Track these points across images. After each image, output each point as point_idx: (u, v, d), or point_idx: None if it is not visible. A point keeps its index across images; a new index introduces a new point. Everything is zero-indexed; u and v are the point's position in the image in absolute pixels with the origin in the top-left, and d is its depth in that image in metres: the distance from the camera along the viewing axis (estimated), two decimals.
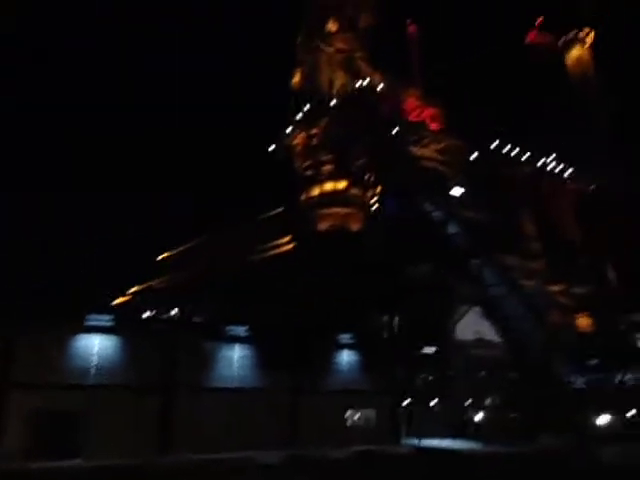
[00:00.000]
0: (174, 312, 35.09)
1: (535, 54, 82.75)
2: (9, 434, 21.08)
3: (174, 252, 74.55)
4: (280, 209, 62.61)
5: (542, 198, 65.59)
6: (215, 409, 25.13)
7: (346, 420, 27.68)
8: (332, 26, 67.79)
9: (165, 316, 26.10)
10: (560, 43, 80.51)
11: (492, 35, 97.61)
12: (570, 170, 67.70)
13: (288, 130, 63.69)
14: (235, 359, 26.33)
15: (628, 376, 32.00)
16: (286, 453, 21.35)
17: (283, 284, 38.14)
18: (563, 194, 68.03)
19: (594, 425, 25.82)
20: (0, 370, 21.13)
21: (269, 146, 67.75)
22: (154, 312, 34.82)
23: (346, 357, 29.73)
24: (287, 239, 55.45)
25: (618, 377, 32.13)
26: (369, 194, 56.92)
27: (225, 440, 23.90)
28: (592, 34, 77.96)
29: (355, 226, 57.48)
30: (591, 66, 78.80)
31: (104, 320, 23.64)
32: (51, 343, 22.32)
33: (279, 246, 55.17)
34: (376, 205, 55.73)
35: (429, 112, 55.43)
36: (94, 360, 22.98)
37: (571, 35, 79.02)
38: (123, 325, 23.74)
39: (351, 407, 28.30)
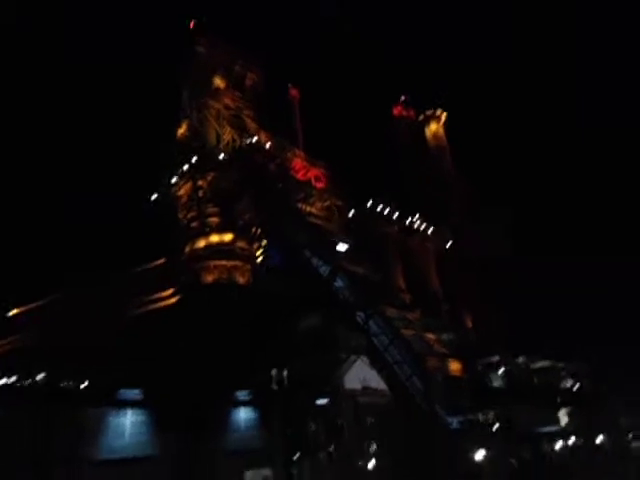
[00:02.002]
0: (40, 377, 31.36)
1: (399, 126, 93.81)
2: None
3: (26, 308, 66.51)
4: (160, 260, 60.32)
5: (408, 253, 72.82)
6: None
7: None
8: (220, 83, 69.74)
9: (32, 383, 23.21)
10: (420, 118, 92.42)
11: (362, 106, 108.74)
12: (431, 229, 76.45)
13: (173, 180, 62.69)
14: (125, 425, 24.43)
15: (489, 414, 36.22)
16: None
17: (169, 340, 36.49)
18: (425, 250, 76.30)
19: (474, 462, 28.61)
20: None
21: (147, 196, 65.79)
22: (14, 379, 30.66)
23: (242, 415, 29.33)
24: (170, 292, 53.38)
25: (481, 417, 36.17)
26: (255, 247, 57.96)
27: None
28: (445, 114, 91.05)
29: (241, 279, 57.62)
30: (445, 140, 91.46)
31: None
32: None
33: (161, 299, 52.76)
34: (262, 258, 56.89)
35: (314, 172, 59.20)
36: None
37: (429, 112, 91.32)
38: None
39: (248, 467, 27.71)
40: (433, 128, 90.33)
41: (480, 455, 28.34)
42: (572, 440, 36.83)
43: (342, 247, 46.26)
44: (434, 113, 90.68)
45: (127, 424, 24.17)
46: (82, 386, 25.02)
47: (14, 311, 67.62)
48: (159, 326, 41.21)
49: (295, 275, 47.33)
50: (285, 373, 35.95)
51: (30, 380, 23.17)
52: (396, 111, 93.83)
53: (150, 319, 45.96)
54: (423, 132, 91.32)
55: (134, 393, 24.63)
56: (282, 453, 29.88)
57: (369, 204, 66.75)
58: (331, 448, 34.15)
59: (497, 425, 32.63)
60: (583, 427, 40.79)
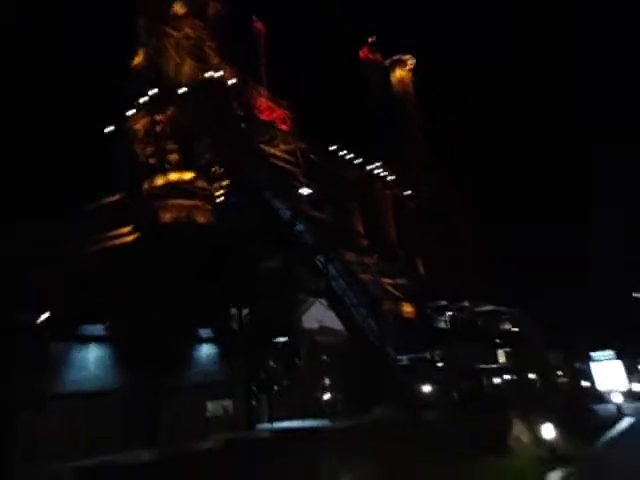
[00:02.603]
0: None
1: (366, 69, 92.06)
2: None
3: None
4: (116, 197, 58.58)
5: (368, 200, 74.03)
6: (65, 416, 23.43)
7: (206, 412, 28.30)
8: (179, 9, 65.40)
9: None
10: (387, 63, 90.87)
11: (331, 47, 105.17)
12: (391, 177, 77.56)
13: (129, 113, 59.77)
14: (89, 360, 24.83)
15: (436, 353, 39.09)
16: (156, 451, 21.27)
17: (129, 278, 36.40)
18: (384, 197, 77.72)
19: (420, 395, 31.25)
20: None
21: (101, 129, 62.66)
22: None
23: (204, 351, 30.29)
24: (128, 229, 52.38)
25: (428, 355, 39.01)
26: (215, 187, 57.13)
27: (76, 447, 22.54)
28: (413, 60, 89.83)
29: (201, 219, 57.09)
30: (411, 87, 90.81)
31: None
32: None
33: (119, 237, 51.79)
34: (222, 199, 56.32)
35: (279, 114, 57.89)
36: None
37: (396, 57, 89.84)
38: None
39: (210, 399, 29.01)
40: (399, 74, 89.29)
41: (427, 388, 30.98)
42: (507, 376, 40.58)
43: (304, 191, 46.49)
44: (401, 58, 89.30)
45: (90, 359, 24.59)
46: (42, 320, 24.94)
47: None
48: (118, 263, 40.80)
49: (256, 216, 47.47)
50: (245, 312, 36.99)
51: None
52: (363, 54, 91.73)
53: (108, 256, 45.28)
54: (389, 77, 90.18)
55: (97, 329, 24.89)
56: (241, 386, 31.34)
57: (332, 148, 66.61)
58: (288, 382, 36.07)
59: (442, 362, 35.39)
60: (517, 365, 44.78)
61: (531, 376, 39.99)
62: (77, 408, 23.79)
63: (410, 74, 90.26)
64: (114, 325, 25.64)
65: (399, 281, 49.49)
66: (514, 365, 44.31)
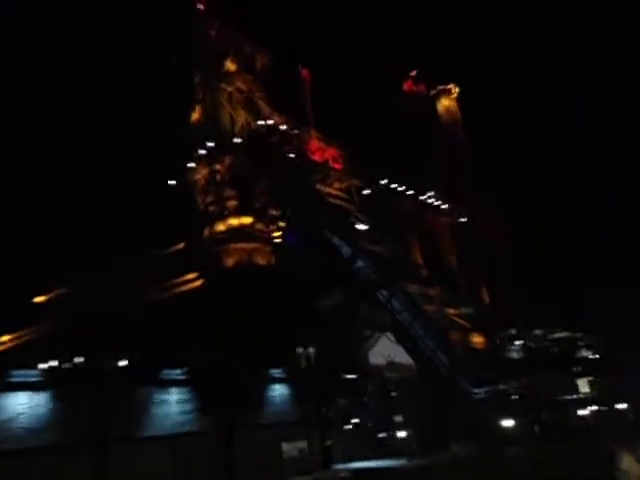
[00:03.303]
0: (82, 360, 32.91)
1: (411, 101, 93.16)
2: None
3: (52, 295, 68.34)
4: (180, 245, 61.53)
5: (423, 229, 73.48)
6: (150, 457, 24.39)
7: (282, 453, 28.42)
8: (231, 66, 69.77)
9: (86, 364, 24.67)
10: (432, 93, 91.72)
11: (372, 84, 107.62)
12: (445, 205, 76.83)
13: (189, 165, 63.47)
14: (170, 403, 25.86)
15: (512, 384, 37.37)
16: None
17: (200, 322, 37.82)
18: (440, 226, 76.85)
19: (500, 429, 29.87)
20: None
21: (164, 182, 66.66)
22: (54, 363, 32.17)
23: (276, 391, 30.67)
24: (194, 275, 54.68)
25: (502, 387, 37.32)
26: (273, 229, 58.91)
27: None
28: (457, 88, 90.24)
29: (261, 260, 58.79)
30: (458, 114, 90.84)
31: (29, 376, 22.06)
32: None
33: (186, 282, 54.10)
34: (280, 239, 57.87)
35: (330, 153, 59.59)
36: (21, 420, 21.25)
37: (441, 87, 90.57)
38: (50, 380, 22.32)
39: (284, 440, 29.14)
40: (445, 102, 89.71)
41: (506, 422, 29.56)
42: (592, 407, 37.92)
43: (362, 227, 47.00)
44: (446, 87, 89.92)
45: (172, 402, 25.60)
46: (124, 365, 26.39)
47: (40, 298, 69.67)
48: (188, 308, 42.53)
49: (316, 255, 48.31)
50: (311, 350, 37.23)
51: (85, 362, 24.55)
52: (407, 86, 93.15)
53: (179, 301, 47.31)
54: (435, 107, 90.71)
55: (177, 373, 25.98)
56: (315, 427, 31.27)
57: (384, 182, 67.22)
58: (359, 421, 35.58)
59: (519, 394, 33.75)
60: (602, 394, 41.80)
61: (621, 406, 37.17)
62: (161, 448, 24.72)
63: (455, 102, 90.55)
64: (191, 368, 26.66)
65: (464, 311, 48.24)
66: (597, 395, 41.49)
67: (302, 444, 30.17)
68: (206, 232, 60.24)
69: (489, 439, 28.62)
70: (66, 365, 26.00)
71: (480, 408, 31.80)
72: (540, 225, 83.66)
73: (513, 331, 51.15)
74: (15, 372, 21.68)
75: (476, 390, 33.42)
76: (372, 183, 64.87)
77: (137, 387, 25.02)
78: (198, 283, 52.19)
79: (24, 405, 22.05)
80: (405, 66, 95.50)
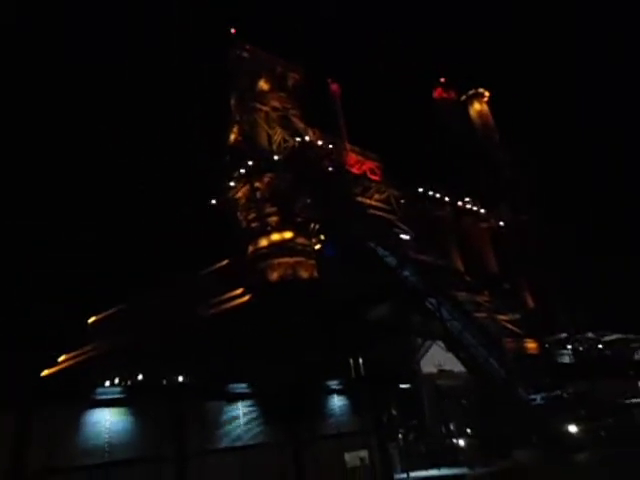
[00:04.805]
0: (143, 377, 34.46)
1: (442, 108, 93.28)
2: None
3: (103, 315, 71.23)
4: (224, 262, 63.28)
5: (463, 236, 73.07)
6: (222, 469, 25.48)
7: (345, 462, 29.03)
8: (264, 86, 71.79)
9: (157, 382, 26.07)
10: (462, 98, 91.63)
11: (401, 93, 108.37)
12: (483, 210, 76.27)
13: (230, 184, 65.42)
14: (238, 416, 26.94)
15: (570, 389, 36.84)
16: None
17: (253, 336, 38.96)
18: (479, 231, 76.25)
19: (565, 435, 29.63)
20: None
21: (206, 202, 68.88)
22: (116, 380, 33.88)
23: (335, 402, 31.37)
24: (240, 291, 56.15)
25: (559, 392, 36.83)
26: (314, 242, 60.00)
27: None
28: (487, 91, 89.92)
29: (305, 274, 59.86)
30: (491, 118, 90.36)
31: (112, 393, 23.52)
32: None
33: (233, 299, 55.62)
34: (321, 253, 58.83)
35: (368, 165, 60.42)
36: (107, 436, 22.67)
37: (471, 92, 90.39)
38: (131, 396, 23.71)
39: (346, 450, 29.75)
40: (477, 107, 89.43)
41: (571, 428, 29.30)
42: None
43: (405, 236, 47.44)
44: (477, 92, 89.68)
45: (239, 415, 26.65)
46: (192, 381, 27.63)
47: (92, 318, 72.76)
48: (238, 323, 43.79)
49: (360, 267, 48.93)
50: (361, 361, 37.78)
51: (155, 379, 25.93)
52: (437, 94, 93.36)
53: (228, 318, 48.71)
54: (467, 112, 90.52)
55: (242, 387, 27.03)
56: (374, 436, 31.75)
57: (420, 190, 67.47)
58: (416, 429, 35.87)
59: (579, 399, 33.32)
60: None
61: None
62: (232, 459, 25.77)
63: (487, 106, 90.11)
64: (255, 382, 27.67)
65: (513, 316, 47.82)
66: None
67: (363, 453, 30.70)
68: (250, 249, 61.76)
69: (553, 445, 28.44)
70: (139, 382, 27.49)
71: (540, 414, 31.57)
72: (583, 225, 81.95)
73: (563, 335, 50.31)
74: (99, 390, 23.13)
75: (533, 396, 33.21)
76: (410, 192, 65.27)
77: (206, 401, 26.18)
78: (245, 298, 53.58)
79: (106, 421, 23.46)
80: (433, 74, 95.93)
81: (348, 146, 63.64)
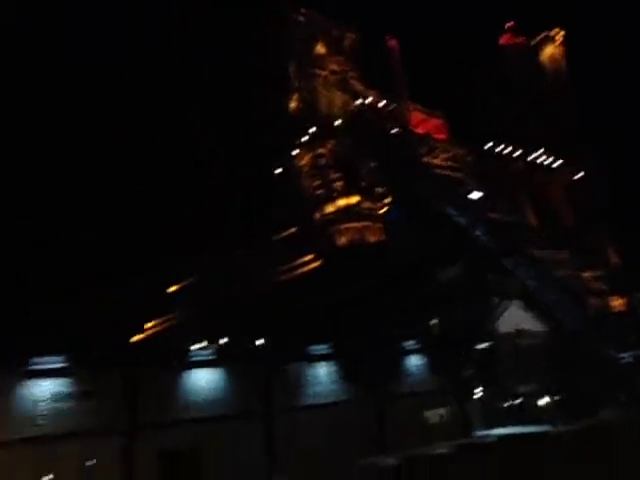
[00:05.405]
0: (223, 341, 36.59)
1: (509, 55, 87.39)
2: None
3: (182, 284, 75.27)
4: (292, 230, 64.62)
5: (536, 191, 69.54)
6: (311, 424, 27.02)
7: (425, 420, 29.78)
8: (321, 49, 70.64)
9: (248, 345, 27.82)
10: (533, 43, 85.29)
11: (465, 40, 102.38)
12: (555, 162, 71.90)
13: (294, 153, 65.98)
14: (321, 376, 28.25)
15: None
16: (401, 454, 23.25)
17: (329, 300, 40.03)
18: (553, 185, 72.17)
19: None
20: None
21: (270, 171, 69.95)
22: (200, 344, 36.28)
23: (413, 361, 31.99)
24: (311, 257, 57.49)
25: None
26: (380, 206, 59.70)
27: (329, 450, 25.76)
28: (562, 33, 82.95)
29: (373, 238, 60.05)
30: (563, 61, 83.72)
31: (204, 355, 25.36)
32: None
33: (304, 264, 57.13)
34: (387, 215, 58.51)
35: (433, 123, 58.57)
36: (203, 393, 24.64)
37: (542, 35, 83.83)
38: (221, 358, 25.47)
39: (425, 408, 30.45)
40: (549, 51, 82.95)
41: None
42: None
43: (475, 195, 46.10)
44: (548, 35, 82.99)
45: (322, 375, 28.05)
46: (277, 344, 29.16)
47: (172, 288, 77.43)
48: (312, 288, 45.09)
49: (430, 228, 48.32)
50: (438, 321, 37.85)
51: (242, 343, 27.67)
52: (504, 40, 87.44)
53: (301, 282, 50.21)
54: (537, 59, 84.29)
55: (324, 348, 28.27)
56: (452, 395, 32.18)
57: (489, 146, 64.62)
58: (495, 388, 35.78)
59: None
60: None
61: None
62: (316, 417, 27.29)
63: (560, 49, 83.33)
64: (335, 344, 28.81)
65: (596, 273, 45.58)
66: None
67: (442, 411, 31.29)
68: (316, 215, 62.52)
69: None
70: (226, 344, 29.44)
71: (629, 373, 30.42)
72: None
73: None
74: (193, 352, 25.06)
75: (621, 355, 31.94)
76: (478, 148, 62.78)
77: (290, 363, 27.66)
78: (315, 264, 54.82)
79: (201, 380, 25.47)
80: (498, 19, 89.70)
81: (411, 105, 61.76)
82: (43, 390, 23.11)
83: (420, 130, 58.16)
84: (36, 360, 22.79)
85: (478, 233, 42.27)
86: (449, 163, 54.52)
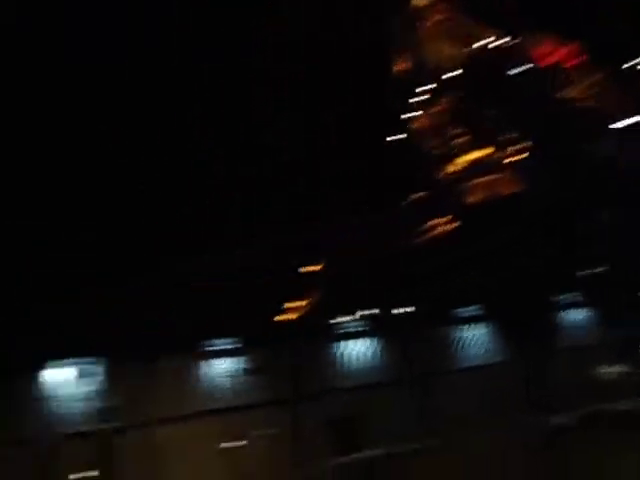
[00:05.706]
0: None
1: None
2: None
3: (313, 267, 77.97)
4: (419, 194, 63.06)
5: None
6: (463, 388, 26.90)
7: (596, 376, 27.77)
8: (419, 1, 66.90)
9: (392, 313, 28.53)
10: None
11: None
12: None
13: (409, 115, 64.03)
14: (470, 339, 27.87)
15: None
16: (582, 411, 22.17)
17: (473, 261, 38.68)
18: None
19: None
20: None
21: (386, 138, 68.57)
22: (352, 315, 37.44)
23: (571, 316, 29.85)
24: (445, 219, 55.67)
25: None
26: (511, 154, 55.32)
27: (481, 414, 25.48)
28: None
29: (507, 190, 56.10)
30: None
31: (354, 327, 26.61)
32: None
33: (438, 226, 55.57)
34: (523, 164, 54.04)
35: (562, 52, 52.23)
36: (358, 363, 25.95)
37: None
38: (371, 328, 26.47)
39: (594, 363, 28.33)
40: None
41: None
42: None
43: (621, 124, 40.48)
44: None
45: (470, 337, 27.64)
46: (419, 309, 29.35)
47: (305, 268, 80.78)
48: (453, 250, 43.77)
49: (571, 172, 43.88)
50: (599, 270, 34.54)
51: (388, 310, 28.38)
52: None
53: (437, 246, 49.01)
54: None
55: (471, 310, 27.75)
56: (623, 351, 29.46)
57: (630, 64, 55.67)
58: None
59: None
60: None
61: None
62: (469, 379, 27.13)
63: None
64: (482, 304, 28.03)
65: None
66: None
67: (613, 368, 28.84)
68: (442, 176, 60.27)
69: None
70: (372, 314, 30.45)
71: None
72: None
73: None
74: (343, 324, 26.44)
75: None
76: (618, 70, 54.52)
77: (437, 327, 27.69)
78: (451, 226, 52.98)
79: (354, 351, 26.80)
80: None
81: (531, 36, 55.57)
82: (219, 368, 26.39)
83: (549, 62, 52.19)
84: (212, 342, 26.09)
85: (628, 168, 37.21)
86: (586, 94, 48.23)
